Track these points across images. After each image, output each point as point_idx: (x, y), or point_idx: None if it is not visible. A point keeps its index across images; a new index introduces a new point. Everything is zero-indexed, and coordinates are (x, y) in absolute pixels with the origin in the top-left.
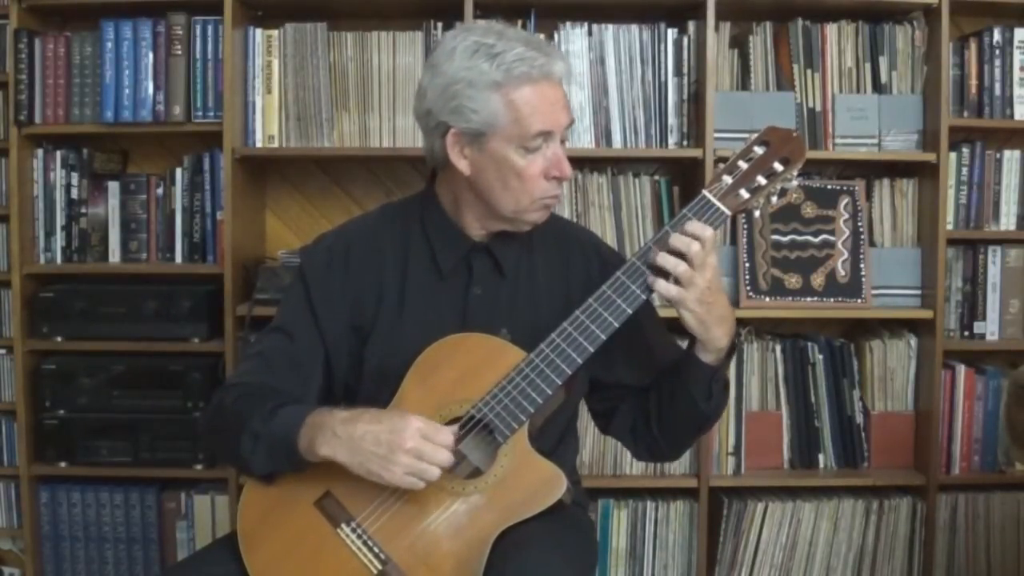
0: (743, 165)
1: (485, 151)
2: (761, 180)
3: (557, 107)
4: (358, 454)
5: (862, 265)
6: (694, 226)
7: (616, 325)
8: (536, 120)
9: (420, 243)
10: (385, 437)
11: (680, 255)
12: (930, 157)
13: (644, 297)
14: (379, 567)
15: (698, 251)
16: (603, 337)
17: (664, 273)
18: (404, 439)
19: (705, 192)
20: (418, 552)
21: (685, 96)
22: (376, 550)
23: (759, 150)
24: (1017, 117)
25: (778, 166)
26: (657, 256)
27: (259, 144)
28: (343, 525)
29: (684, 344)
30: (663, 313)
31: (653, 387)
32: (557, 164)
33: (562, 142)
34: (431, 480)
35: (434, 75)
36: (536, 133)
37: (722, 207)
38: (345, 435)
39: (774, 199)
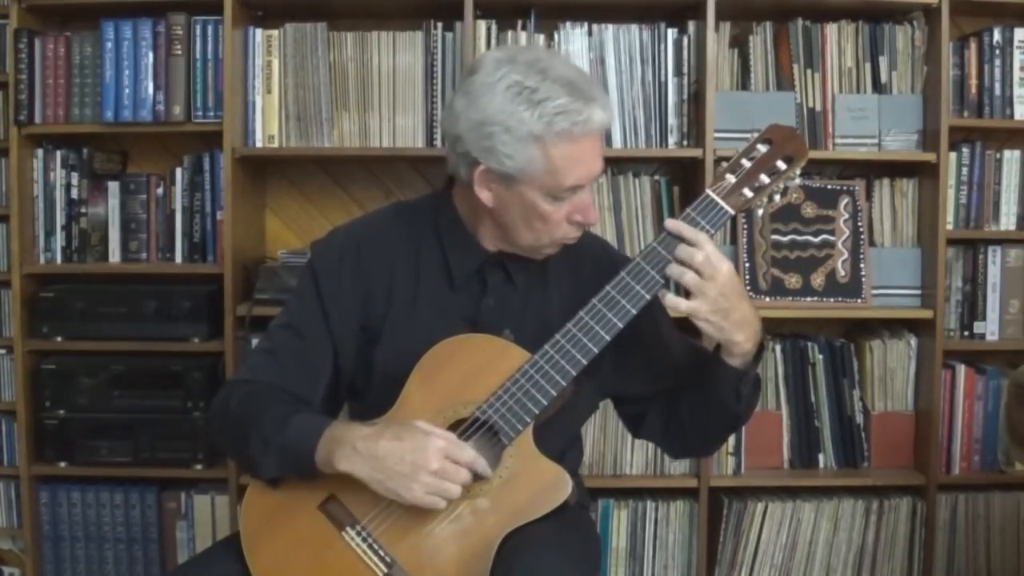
0: (746, 164)
1: (512, 191)
2: (764, 179)
3: (593, 160)
4: (379, 472)
5: (862, 265)
6: (686, 231)
7: (620, 326)
8: (571, 175)
9: (433, 248)
10: (408, 457)
11: (687, 265)
12: (930, 157)
13: (648, 297)
14: (384, 570)
15: (703, 260)
16: (607, 338)
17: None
18: (428, 459)
19: (709, 191)
20: (423, 555)
21: (685, 96)
22: (381, 553)
23: (762, 148)
24: (1017, 117)
25: (781, 164)
26: (668, 266)
27: (259, 144)
28: (348, 528)
29: (702, 342)
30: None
31: (683, 391)
32: (583, 210)
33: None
34: (452, 499)
35: (469, 105)
36: (568, 187)
37: (726, 206)
38: (366, 452)
39: (776, 198)
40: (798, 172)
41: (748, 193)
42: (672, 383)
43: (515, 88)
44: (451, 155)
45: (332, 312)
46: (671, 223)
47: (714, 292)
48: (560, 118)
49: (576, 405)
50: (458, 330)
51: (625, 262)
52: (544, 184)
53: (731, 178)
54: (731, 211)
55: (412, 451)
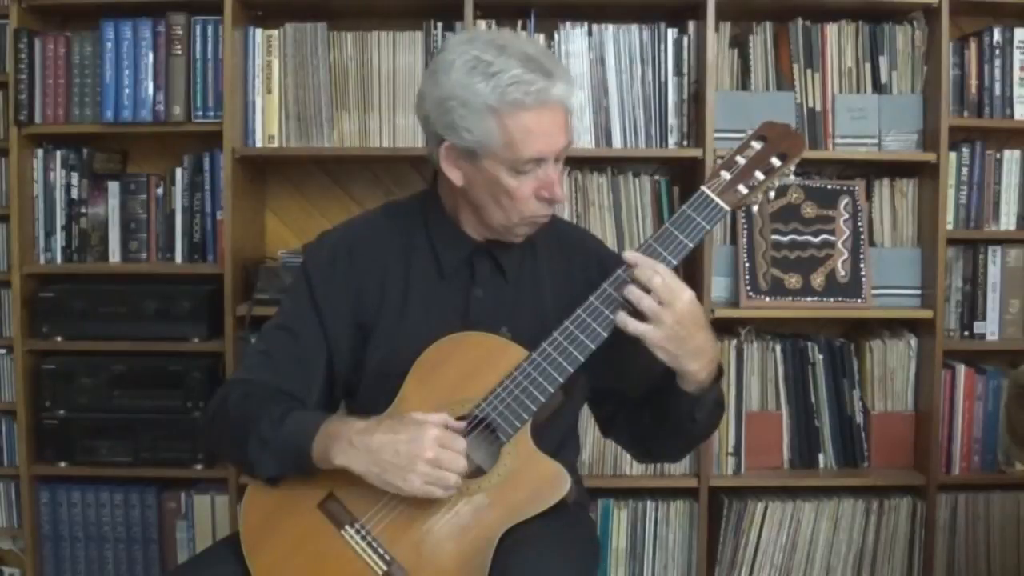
0: (741, 161)
1: (477, 167)
2: (759, 175)
3: (552, 132)
4: (376, 465)
5: (862, 265)
6: (642, 263)
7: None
8: (529, 147)
9: (422, 243)
10: (404, 448)
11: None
12: (930, 157)
13: None
14: (384, 568)
15: (660, 284)
16: (604, 334)
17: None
18: (423, 448)
19: (704, 188)
20: (423, 553)
21: (685, 96)
22: (380, 551)
23: (756, 145)
24: (1017, 117)
25: (776, 161)
26: (625, 289)
27: (259, 144)
28: (347, 527)
29: None
30: None
31: (646, 402)
32: (548, 186)
33: (556, 160)
34: (450, 488)
35: (433, 84)
36: (528, 159)
37: (721, 203)
38: (362, 446)
39: (772, 194)
40: (792, 168)
41: (743, 190)
42: (644, 386)
43: (472, 62)
44: (426, 138)
45: (326, 312)
46: (629, 255)
47: (670, 320)
48: (513, 88)
49: (571, 401)
50: (449, 324)
51: (617, 261)
52: (504, 157)
53: (726, 175)
54: (727, 207)
55: (407, 442)
